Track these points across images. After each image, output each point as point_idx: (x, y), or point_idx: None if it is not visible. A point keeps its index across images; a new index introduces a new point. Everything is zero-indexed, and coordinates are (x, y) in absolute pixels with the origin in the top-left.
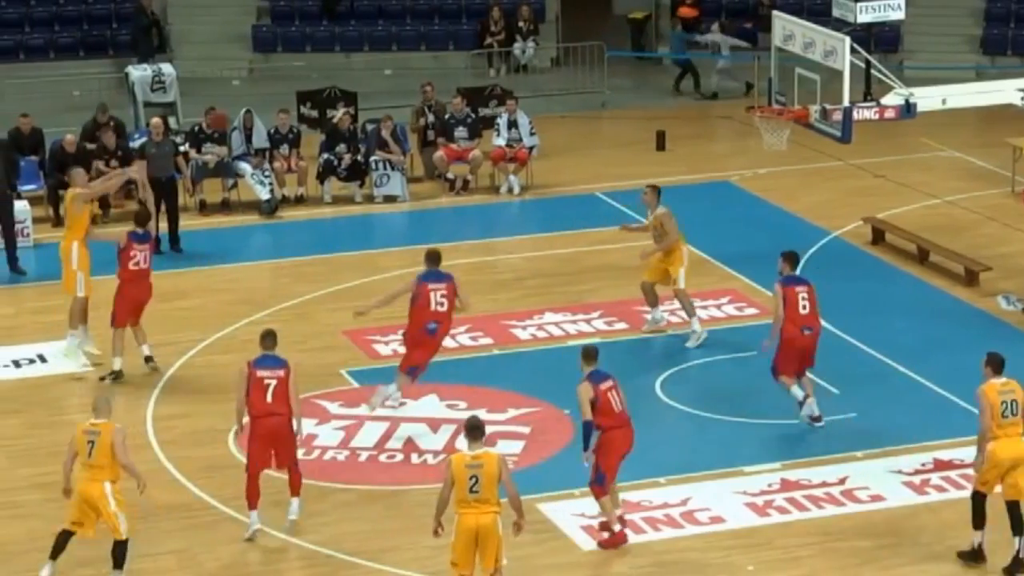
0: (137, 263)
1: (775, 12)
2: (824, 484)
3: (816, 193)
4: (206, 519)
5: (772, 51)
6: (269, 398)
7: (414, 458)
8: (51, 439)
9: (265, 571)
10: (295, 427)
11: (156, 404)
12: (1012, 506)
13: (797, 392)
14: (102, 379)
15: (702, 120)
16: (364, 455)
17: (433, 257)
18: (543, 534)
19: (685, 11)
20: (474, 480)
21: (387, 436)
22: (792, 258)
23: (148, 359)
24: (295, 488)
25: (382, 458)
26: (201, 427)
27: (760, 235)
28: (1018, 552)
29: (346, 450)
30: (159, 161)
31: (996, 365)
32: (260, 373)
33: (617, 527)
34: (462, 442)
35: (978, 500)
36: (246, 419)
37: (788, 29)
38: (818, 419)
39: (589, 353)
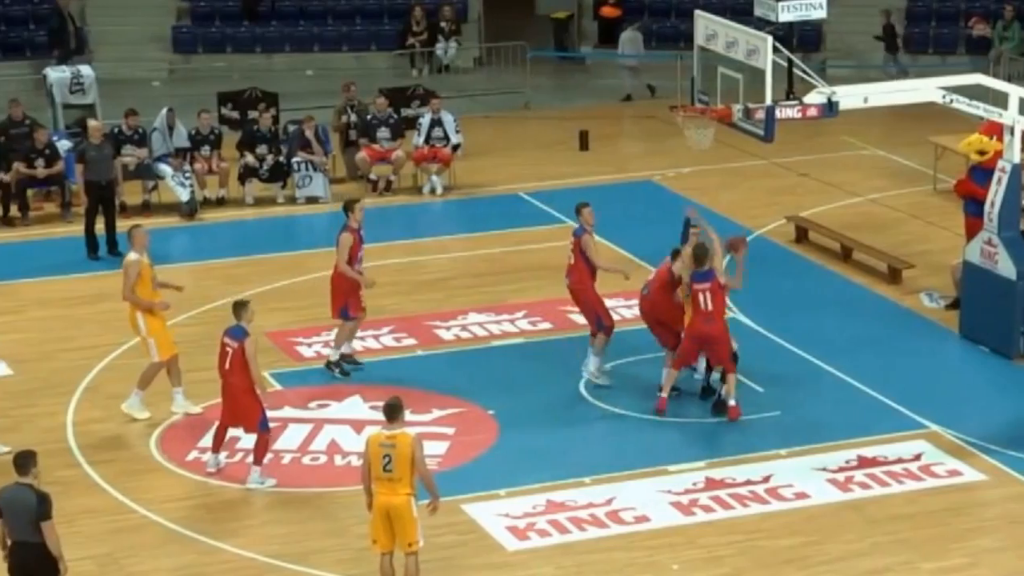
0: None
1: (697, 11)
2: (749, 482)
3: (739, 192)
4: (129, 523)
5: (695, 50)
6: (227, 365)
7: (338, 460)
8: None
9: (188, 575)
10: (259, 392)
11: (76, 407)
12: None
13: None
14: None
15: (625, 120)
16: (287, 457)
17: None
18: (468, 535)
19: (607, 11)
20: (387, 459)
21: (311, 438)
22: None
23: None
24: (256, 456)
25: (305, 460)
26: (119, 431)
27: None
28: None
29: (270, 452)
30: (99, 165)
31: None
32: (224, 340)
33: None
34: None
35: None
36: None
37: (711, 28)
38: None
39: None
